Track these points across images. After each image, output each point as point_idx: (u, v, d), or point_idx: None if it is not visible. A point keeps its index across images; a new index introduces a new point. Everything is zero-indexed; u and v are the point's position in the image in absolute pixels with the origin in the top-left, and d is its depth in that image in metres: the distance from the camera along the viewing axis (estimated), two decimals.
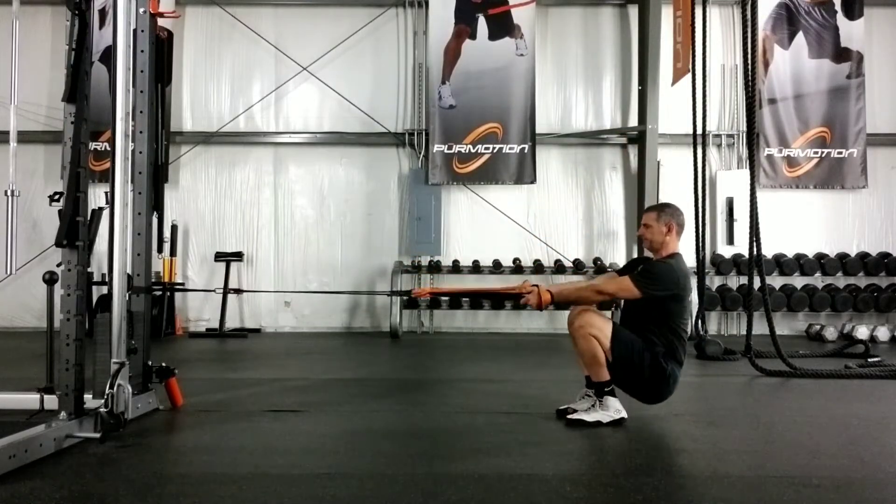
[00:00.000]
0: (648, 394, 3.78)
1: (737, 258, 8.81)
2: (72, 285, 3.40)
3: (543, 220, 9.12)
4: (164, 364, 4.12)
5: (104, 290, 4.38)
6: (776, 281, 8.82)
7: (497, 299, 4.04)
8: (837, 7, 8.97)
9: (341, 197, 9.28)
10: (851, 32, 8.97)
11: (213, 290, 4.79)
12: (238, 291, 4.98)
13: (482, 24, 8.90)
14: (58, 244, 3.36)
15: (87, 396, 3.53)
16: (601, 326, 3.69)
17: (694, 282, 7.81)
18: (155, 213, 4.29)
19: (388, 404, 4.52)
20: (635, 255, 8.94)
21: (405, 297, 8.34)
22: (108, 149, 3.77)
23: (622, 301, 3.99)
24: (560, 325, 9.06)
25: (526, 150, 8.87)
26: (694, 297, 7.99)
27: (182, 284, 8.80)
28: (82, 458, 3.06)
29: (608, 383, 3.75)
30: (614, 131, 9.22)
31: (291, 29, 9.29)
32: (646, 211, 4.03)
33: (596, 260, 8.85)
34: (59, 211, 3.53)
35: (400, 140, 9.20)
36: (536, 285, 3.82)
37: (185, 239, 9.08)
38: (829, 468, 3.03)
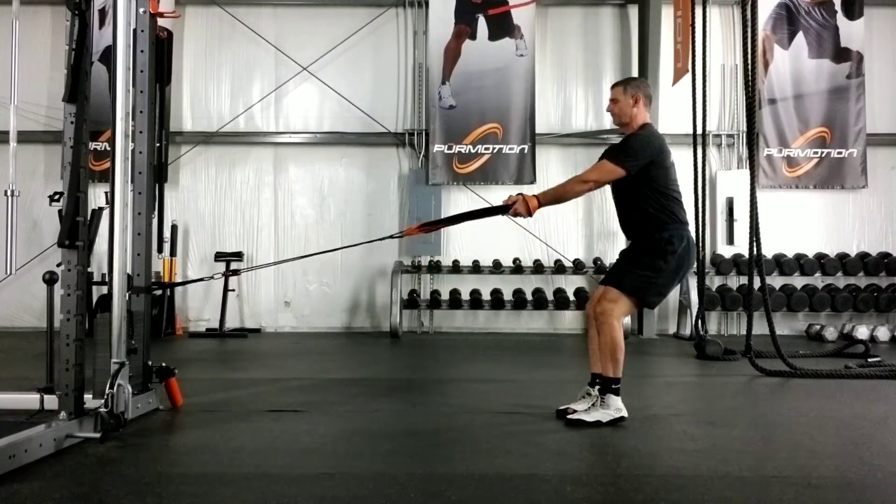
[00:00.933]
0: (675, 277, 3.81)
1: (737, 258, 8.81)
2: (72, 285, 3.40)
3: (543, 220, 9.11)
4: (164, 364, 4.12)
5: (104, 290, 4.38)
6: (776, 281, 8.82)
7: (485, 215, 4.01)
8: (837, 7, 8.97)
9: (341, 197, 9.28)
10: (851, 32, 8.97)
11: (212, 277, 4.79)
12: (236, 273, 5.01)
13: (482, 25, 8.90)
14: (60, 244, 3.36)
15: (87, 396, 3.53)
16: (616, 300, 3.73)
17: (694, 282, 7.89)
18: (155, 213, 4.29)
19: (388, 404, 4.52)
20: None
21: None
22: (108, 149, 3.77)
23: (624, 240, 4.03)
24: (560, 325, 9.08)
25: (526, 151, 8.87)
26: (694, 297, 8.03)
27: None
28: (82, 458, 3.06)
29: (617, 381, 3.75)
30: (614, 131, 9.18)
31: (291, 29, 9.29)
32: (612, 87, 4.05)
33: (596, 260, 8.85)
34: (60, 211, 3.53)
35: (400, 140, 9.21)
36: (521, 194, 3.82)
37: (185, 239, 9.08)
38: (829, 468, 3.03)
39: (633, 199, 3.82)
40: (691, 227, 3.96)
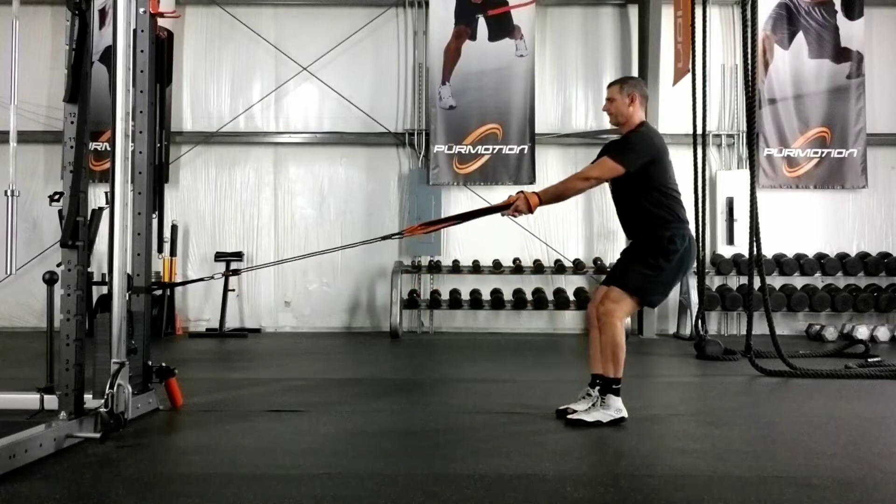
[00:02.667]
0: (675, 277, 3.82)
1: (737, 258, 8.81)
2: (72, 285, 3.40)
3: (543, 220, 9.11)
4: (164, 364, 4.12)
5: (104, 290, 4.38)
6: (776, 281, 8.82)
7: (487, 213, 4.04)
8: (837, 7, 8.97)
9: (341, 197, 9.28)
10: (851, 32, 8.97)
11: (212, 277, 4.78)
12: (237, 272, 4.99)
13: (482, 25, 8.90)
14: (63, 245, 3.36)
15: (87, 396, 3.53)
16: (619, 299, 3.73)
17: (694, 282, 7.88)
18: (155, 213, 4.29)
19: (389, 404, 4.52)
20: None
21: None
22: (108, 149, 3.77)
23: (615, 205, 4.01)
24: (560, 325, 9.09)
25: (526, 151, 8.87)
26: (694, 297, 8.03)
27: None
28: (82, 458, 3.06)
29: (618, 381, 3.75)
30: (614, 131, 9.08)
31: (291, 29, 9.29)
32: (608, 86, 4.05)
33: (596, 260, 8.85)
34: (60, 211, 3.53)
35: (400, 140, 9.21)
36: (522, 191, 3.84)
37: (185, 239, 9.08)
38: (829, 468, 3.03)
39: (633, 197, 3.82)
40: (691, 227, 3.96)
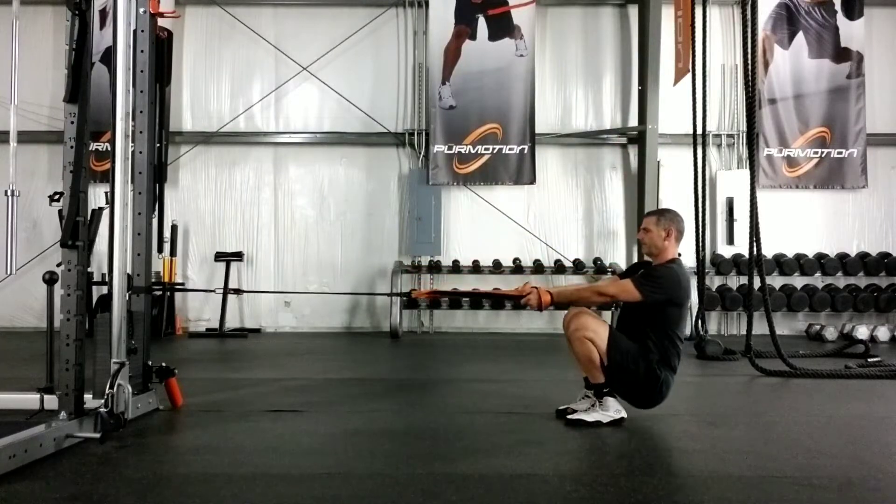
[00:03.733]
0: (641, 399, 3.79)
1: (737, 258, 8.81)
2: (72, 285, 3.40)
3: (543, 220, 9.12)
4: (164, 364, 4.12)
5: (104, 290, 4.38)
6: (776, 281, 8.82)
7: (497, 300, 4.08)
8: (837, 7, 8.97)
9: (341, 197, 9.28)
10: (851, 32, 8.97)
11: (213, 291, 4.78)
12: (238, 292, 4.98)
13: (482, 25, 8.90)
14: (63, 245, 3.36)
15: (87, 396, 3.53)
16: (597, 329, 3.70)
17: (694, 282, 7.86)
18: (155, 213, 4.29)
19: (388, 404, 4.52)
20: (635, 256, 8.96)
21: (405, 298, 8.32)
22: (109, 149, 3.76)
23: (622, 302, 3.99)
24: (560, 325, 9.03)
25: (525, 151, 8.87)
26: (694, 297, 8.01)
27: (182, 284, 8.81)
28: (82, 458, 3.06)
29: (606, 384, 3.75)
30: (614, 131, 9.22)
31: (291, 29, 9.29)
32: (646, 215, 4.05)
33: (596, 260, 8.85)
34: (60, 211, 3.53)
35: (400, 140, 9.21)
36: (536, 287, 3.85)
37: (185, 239, 9.08)
38: (829, 468, 3.03)
39: (639, 324, 3.77)
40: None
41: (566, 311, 3.94)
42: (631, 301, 3.76)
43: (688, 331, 3.91)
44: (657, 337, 3.71)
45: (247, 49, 9.26)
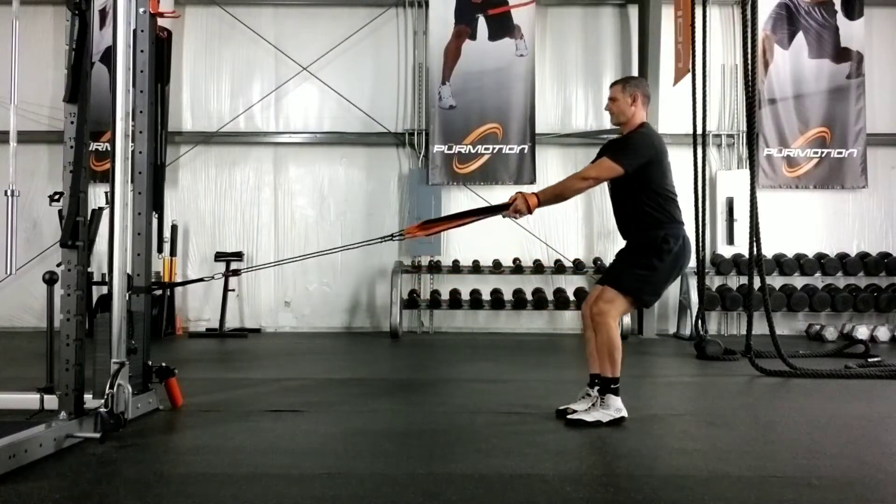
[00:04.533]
0: (667, 268, 3.79)
1: (737, 258, 8.81)
2: (72, 285, 3.40)
3: (543, 220, 9.11)
4: (164, 364, 4.12)
5: (104, 290, 4.38)
6: (776, 281, 8.82)
7: (487, 214, 4.04)
8: (837, 7, 8.97)
9: (341, 197, 9.28)
10: (851, 32, 8.97)
11: (213, 277, 4.77)
12: (237, 273, 4.99)
13: (482, 25, 8.90)
14: (63, 244, 3.36)
15: (87, 396, 3.53)
16: (612, 299, 3.73)
17: (694, 282, 7.88)
18: (155, 213, 4.30)
19: (388, 404, 4.52)
20: None
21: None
22: (109, 149, 3.77)
23: (616, 221, 4.02)
24: (560, 325, 9.09)
25: (525, 151, 8.88)
26: (694, 297, 8.02)
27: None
28: (82, 458, 3.06)
29: (615, 381, 3.75)
30: (614, 131, 9.08)
31: (291, 29, 9.29)
32: (611, 85, 4.06)
33: (596, 260, 8.85)
34: (60, 211, 3.53)
35: (400, 140, 9.21)
36: (521, 192, 3.84)
37: (185, 239, 9.08)
38: (829, 468, 3.03)
39: (631, 197, 3.83)
40: (690, 227, 3.96)
41: (583, 304, 3.97)
42: (615, 177, 3.79)
43: (682, 217, 3.91)
44: (651, 200, 3.77)
45: (247, 49, 9.26)
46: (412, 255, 9.05)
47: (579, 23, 9.38)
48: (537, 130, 8.94)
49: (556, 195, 3.90)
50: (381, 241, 4.42)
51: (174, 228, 8.68)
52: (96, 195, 7.21)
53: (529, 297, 8.61)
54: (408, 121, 9.26)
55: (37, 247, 8.38)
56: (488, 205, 4.51)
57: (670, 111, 8.65)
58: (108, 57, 4.08)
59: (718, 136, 9.13)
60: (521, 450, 3.29)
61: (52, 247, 8.14)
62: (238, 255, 8.85)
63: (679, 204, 3.88)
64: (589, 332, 3.88)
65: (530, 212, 3.79)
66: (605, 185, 4.01)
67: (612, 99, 3.94)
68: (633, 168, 3.72)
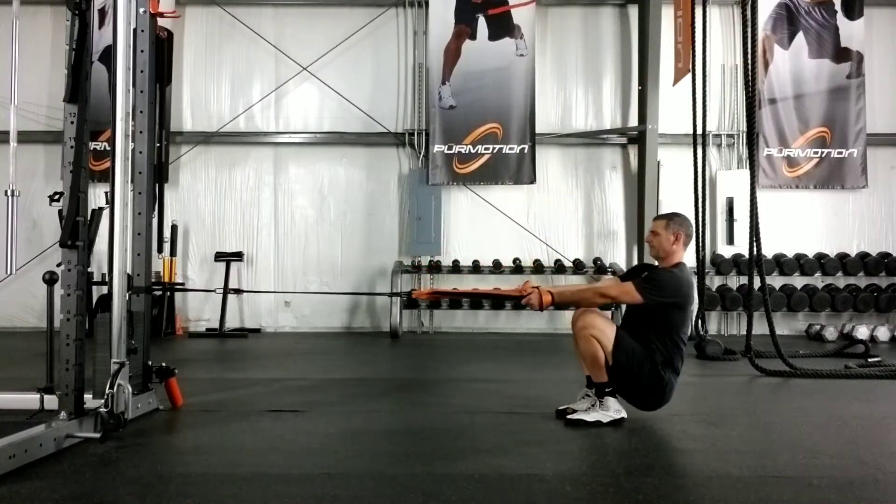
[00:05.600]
0: (645, 401, 3.81)
1: (737, 258, 8.81)
2: (72, 285, 3.40)
3: (543, 220, 9.12)
4: (164, 364, 4.12)
5: (104, 290, 4.38)
6: (776, 281, 8.82)
7: (498, 301, 4.09)
8: (837, 7, 8.97)
9: (341, 197, 9.28)
10: (851, 32, 8.97)
11: (213, 291, 4.77)
12: (238, 291, 4.99)
13: (482, 25, 8.90)
14: (62, 244, 3.36)
15: (87, 396, 3.53)
16: (604, 329, 3.71)
17: (694, 281, 7.85)
18: (155, 213, 4.30)
19: (388, 404, 4.52)
20: (635, 256, 8.96)
21: (405, 297, 8.32)
22: (108, 148, 3.76)
23: (624, 305, 4.00)
24: (560, 325, 9.06)
25: (526, 151, 8.87)
26: (694, 297, 8.00)
27: (182, 284, 8.80)
28: (82, 458, 3.06)
29: (608, 384, 3.76)
30: (614, 131, 9.22)
31: (291, 29, 9.29)
32: (655, 218, 4.07)
33: (596, 260, 8.85)
34: (60, 211, 3.53)
35: (400, 140, 9.20)
36: (537, 287, 3.85)
37: (185, 239, 9.08)
38: (829, 468, 3.03)
39: (643, 327, 3.78)
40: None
41: (573, 310, 3.94)
42: (633, 303, 3.78)
43: (688, 334, 3.90)
44: (661, 339, 3.72)
45: (247, 49, 9.26)
46: (412, 255, 9.04)
47: (579, 23, 9.37)
48: (537, 130, 8.94)
49: (570, 301, 3.96)
50: (390, 296, 4.46)
51: (174, 228, 8.68)
52: (96, 195, 7.21)
53: None
54: (408, 121, 9.26)
55: (37, 247, 8.38)
56: (503, 291, 4.60)
57: (670, 111, 8.65)
58: (108, 57, 4.08)
59: (718, 136, 9.13)
60: (521, 450, 3.29)
61: (52, 247, 8.14)
62: (238, 255, 8.85)
63: (684, 355, 3.81)
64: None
65: (541, 309, 3.78)
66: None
67: (654, 233, 3.90)
68: (653, 303, 3.70)
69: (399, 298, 8.37)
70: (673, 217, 3.96)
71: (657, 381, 3.69)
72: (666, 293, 3.71)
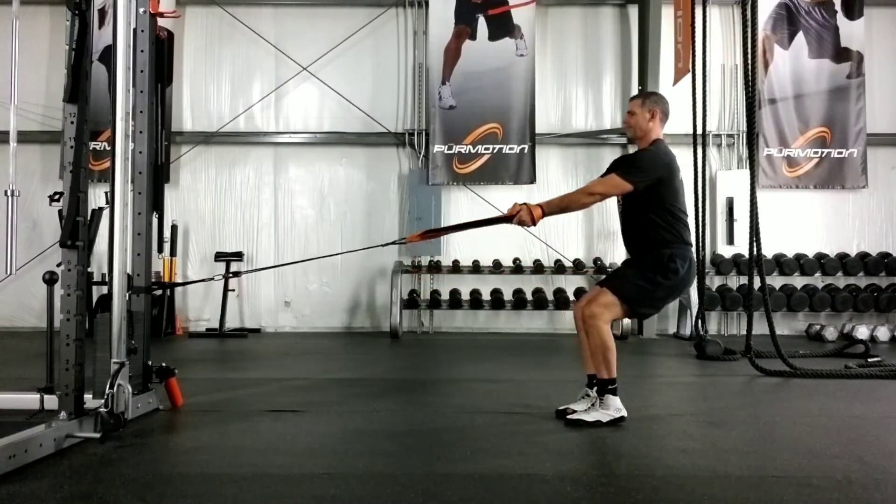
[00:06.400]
0: (668, 288, 3.79)
1: (737, 258, 8.81)
2: (72, 285, 3.40)
3: (543, 220, 9.09)
4: (164, 364, 4.12)
5: (104, 290, 4.38)
6: (776, 281, 8.82)
7: (489, 224, 4.05)
8: (837, 7, 8.97)
9: (341, 197, 9.28)
10: (851, 32, 8.97)
11: (213, 279, 4.78)
12: (237, 274, 5.00)
13: (482, 25, 8.90)
14: (62, 244, 3.36)
15: (87, 396, 3.53)
16: (608, 304, 3.72)
17: (694, 282, 7.86)
18: (155, 213, 4.30)
19: (388, 404, 4.52)
20: None
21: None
22: (108, 148, 3.76)
23: (622, 228, 4.01)
24: (560, 325, 9.08)
25: (525, 151, 8.87)
26: (694, 297, 8.02)
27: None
28: (82, 458, 3.06)
29: (612, 381, 3.75)
30: (614, 131, 9.22)
31: (291, 29, 9.29)
32: (631, 99, 4.06)
33: (596, 260, 8.85)
34: (60, 211, 3.53)
35: (400, 140, 9.21)
36: (525, 203, 3.80)
37: (185, 239, 9.08)
38: (829, 468, 3.03)
39: (640, 214, 3.81)
40: (691, 224, 3.96)
41: (575, 303, 3.96)
42: (623, 193, 3.79)
43: (692, 239, 3.94)
44: (660, 217, 3.76)
45: (247, 49, 9.26)
46: (412, 255, 9.04)
47: (579, 23, 9.38)
48: (537, 130, 8.94)
49: (560, 207, 3.89)
50: (382, 246, 4.45)
51: (174, 228, 8.68)
52: (96, 195, 7.22)
53: (529, 297, 8.61)
54: (408, 121, 9.26)
55: (37, 247, 8.38)
56: (496, 214, 4.50)
57: (670, 111, 8.63)
58: (108, 57, 4.08)
59: (718, 136, 9.14)
60: (521, 450, 3.29)
61: (52, 247, 8.14)
62: (238, 255, 8.85)
63: (689, 225, 3.87)
64: (582, 335, 3.87)
65: (534, 223, 3.76)
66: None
67: (630, 112, 3.92)
68: (642, 185, 3.71)
69: (399, 300, 8.37)
70: (648, 95, 4.03)
71: (672, 270, 3.72)
72: (651, 171, 3.73)
